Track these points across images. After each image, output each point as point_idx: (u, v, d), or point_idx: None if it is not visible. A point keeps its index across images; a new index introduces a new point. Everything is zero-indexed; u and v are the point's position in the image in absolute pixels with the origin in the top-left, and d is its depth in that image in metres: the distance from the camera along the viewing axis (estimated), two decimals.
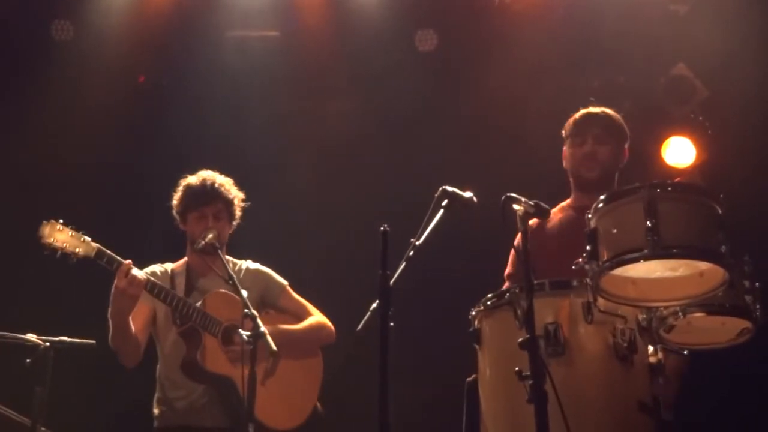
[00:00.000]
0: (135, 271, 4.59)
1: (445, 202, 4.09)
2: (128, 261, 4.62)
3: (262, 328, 4.29)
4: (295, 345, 4.92)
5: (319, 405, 4.97)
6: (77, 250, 4.59)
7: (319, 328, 5.08)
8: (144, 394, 5.07)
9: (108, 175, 7.24)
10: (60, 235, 4.58)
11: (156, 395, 4.92)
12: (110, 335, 4.71)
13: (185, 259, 5.08)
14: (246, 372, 4.16)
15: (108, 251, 4.64)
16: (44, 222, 4.60)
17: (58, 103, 7.14)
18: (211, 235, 4.77)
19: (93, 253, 4.62)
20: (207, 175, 5.04)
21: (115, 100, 7.22)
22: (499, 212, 3.72)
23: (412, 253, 3.91)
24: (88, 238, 4.62)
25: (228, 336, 4.74)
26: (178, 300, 4.73)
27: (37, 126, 7.10)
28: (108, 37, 7.23)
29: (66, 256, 4.60)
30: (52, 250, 4.59)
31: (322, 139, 7.23)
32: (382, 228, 3.69)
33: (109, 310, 4.62)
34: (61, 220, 4.60)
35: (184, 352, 4.76)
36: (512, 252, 4.68)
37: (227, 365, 4.69)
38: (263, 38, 7.43)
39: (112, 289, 4.59)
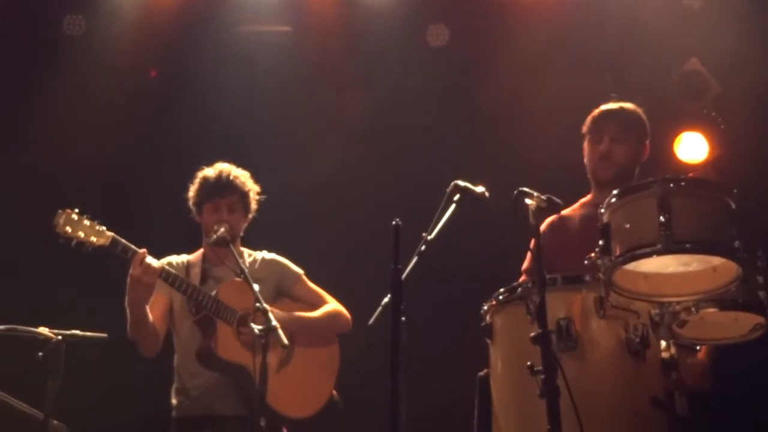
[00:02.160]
0: (150, 260, 4.60)
1: (457, 197, 4.09)
2: (143, 249, 4.64)
3: (274, 322, 4.30)
4: (310, 332, 4.93)
5: (335, 394, 4.97)
6: (92, 239, 4.62)
7: (335, 315, 5.09)
8: (157, 386, 5.09)
9: (120, 170, 7.25)
10: (75, 225, 4.61)
11: (174, 385, 4.94)
12: (128, 325, 4.73)
13: (201, 250, 5.10)
14: (258, 362, 4.17)
15: (123, 240, 4.66)
16: (59, 211, 4.63)
17: (70, 98, 7.16)
18: (222, 229, 4.78)
19: (108, 242, 4.64)
20: (223, 167, 5.06)
21: (127, 95, 7.24)
22: (512, 207, 3.71)
23: (423, 247, 3.91)
24: (103, 228, 4.65)
25: (243, 323, 4.76)
26: (193, 288, 4.75)
27: (49, 120, 7.12)
28: (120, 32, 7.24)
29: (81, 245, 4.63)
30: (67, 239, 4.61)
31: (334, 134, 7.23)
32: (394, 222, 3.69)
33: (126, 299, 4.64)
34: (76, 210, 4.63)
35: (199, 341, 4.77)
36: (530, 246, 4.67)
37: (241, 353, 4.71)
38: (275, 33, 7.43)
39: (128, 278, 4.60)
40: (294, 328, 4.64)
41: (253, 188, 5.10)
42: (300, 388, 4.82)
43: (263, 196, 5.14)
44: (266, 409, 4.21)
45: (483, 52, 7.26)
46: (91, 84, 7.22)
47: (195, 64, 7.40)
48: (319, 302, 5.10)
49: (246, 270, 4.58)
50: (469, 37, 7.38)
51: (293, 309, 4.96)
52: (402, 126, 7.24)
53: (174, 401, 4.90)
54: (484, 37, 7.29)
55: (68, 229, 4.61)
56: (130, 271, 4.61)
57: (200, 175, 5.06)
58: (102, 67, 7.24)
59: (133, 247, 4.66)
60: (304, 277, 5.15)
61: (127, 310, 4.66)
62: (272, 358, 4.27)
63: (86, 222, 4.64)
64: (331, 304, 5.12)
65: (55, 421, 5.10)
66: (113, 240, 4.65)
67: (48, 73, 7.18)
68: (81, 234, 4.62)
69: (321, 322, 5.01)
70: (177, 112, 7.37)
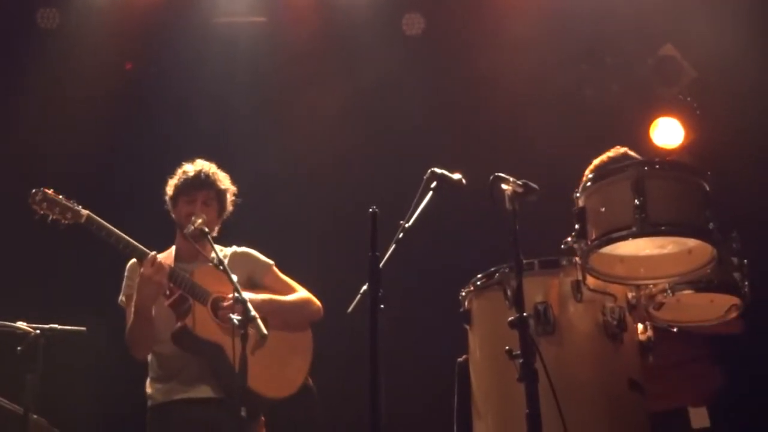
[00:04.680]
0: (158, 258, 4.70)
1: (434, 184, 4.09)
2: (153, 252, 4.70)
3: (253, 313, 4.30)
4: (281, 315, 4.96)
5: (309, 379, 4.99)
6: (68, 215, 4.73)
7: (306, 302, 5.13)
8: (135, 379, 5.07)
9: (94, 164, 7.21)
10: (51, 201, 4.78)
11: (149, 375, 4.94)
12: (129, 327, 4.75)
13: (173, 247, 5.10)
14: (236, 346, 4.18)
15: (98, 218, 4.74)
16: (34, 190, 4.77)
17: (44, 92, 7.12)
18: (200, 220, 4.78)
19: (83, 219, 4.73)
20: (204, 163, 5.09)
21: (101, 88, 7.19)
22: (488, 192, 3.72)
23: (401, 235, 3.92)
24: (78, 207, 4.76)
25: (216, 306, 4.78)
26: (174, 272, 4.78)
27: (22, 114, 7.07)
28: (94, 25, 7.20)
29: (57, 221, 4.73)
30: (43, 215, 4.73)
31: (311, 123, 7.22)
32: (371, 210, 3.69)
33: (134, 300, 4.67)
34: (51, 189, 4.73)
35: (174, 323, 4.79)
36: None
37: (218, 333, 4.73)
38: (250, 24, 7.41)
39: (137, 279, 4.66)
40: (267, 310, 4.67)
41: (230, 188, 5.12)
42: (274, 368, 4.83)
43: (239, 199, 5.16)
44: (244, 399, 4.20)
45: (458, 40, 7.28)
46: (66, 77, 7.17)
47: (170, 56, 7.37)
48: (289, 292, 5.13)
49: (224, 261, 4.59)
50: (444, 25, 7.39)
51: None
52: (378, 114, 7.24)
53: (149, 390, 4.90)
54: (459, 25, 7.29)
55: (44, 205, 4.75)
56: (141, 270, 4.68)
57: (180, 169, 5.09)
58: (76, 60, 7.20)
59: (141, 247, 4.75)
60: (275, 268, 5.17)
61: (135, 311, 4.68)
62: (248, 340, 4.29)
63: (61, 199, 4.78)
64: (302, 292, 5.15)
65: (35, 416, 5.08)
66: (88, 217, 4.73)
67: (21, 67, 7.13)
68: (57, 209, 4.75)
69: (292, 306, 5.05)
70: (152, 105, 7.35)
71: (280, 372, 4.87)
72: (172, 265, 4.84)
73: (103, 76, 7.23)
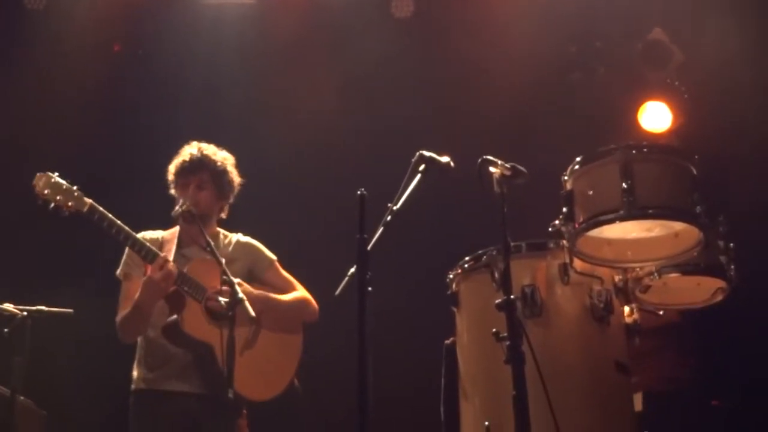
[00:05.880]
0: (171, 266, 4.60)
1: (422, 167, 4.09)
2: (164, 254, 4.63)
3: (240, 295, 4.28)
4: (277, 314, 4.91)
5: (296, 380, 4.97)
6: (70, 203, 4.55)
7: (303, 303, 5.07)
8: (123, 361, 5.07)
9: (83, 146, 7.18)
10: (54, 187, 4.52)
11: (137, 358, 4.92)
12: (124, 317, 4.69)
13: (177, 228, 5.07)
14: (225, 335, 4.16)
15: (100, 208, 4.61)
16: (39, 174, 4.55)
17: (31, 73, 7.07)
18: (187, 203, 4.75)
19: (85, 208, 4.58)
20: (200, 145, 5.01)
21: (90, 70, 7.16)
22: (476, 175, 3.72)
23: (389, 217, 3.91)
24: (81, 193, 4.59)
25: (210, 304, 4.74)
26: (179, 274, 4.72)
27: (10, 96, 7.03)
28: (82, 6, 7.16)
29: (58, 208, 4.56)
30: (45, 201, 4.55)
31: (299, 106, 7.21)
32: (359, 192, 3.69)
33: (137, 299, 4.61)
34: (56, 173, 4.57)
35: (166, 316, 4.76)
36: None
37: (207, 331, 4.68)
38: (239, 5, 7.38)
39: (144, 279, 4.60)
40: (261, 306, 4.61)
41: (230, 170, 5.05)
42: (261, 371, 4.80)
43: (243, 181, 5.09)
44: (232, 385, 4.20)
45: (447, 22, 7.26)
46: (53, 59, 7.13)
47: (158, 38, 7.33)
48: (289, 290, 5.08)
49: (212, 244, 4.56)
50: (433, 8, 7.37)
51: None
52: (367, 96, 7.22)
53: (135, 374, 4.88)
54: (448, 8, 7.28)
55: (47, 191, 4.53)
56: (149, 273, 4.60)
57: (180, 152, 5.03)
58: (64, 41, 7.15)
59: (109, 216, 4.59)
60: (277, 264, 5.13)
61: (136, 308, 4.63)
62: (237, 339, 4.25)
63: (65, 186, 4.56)
64: (300, 292, 5.11)
65: (22, 398, 5.07)
66: (91, 207, 4.59)
67: (8, 49, 7.08)
68: (59, 198, 4.52)
69: (289, 306, 5.00)
70: (140, 87, 7.32)
71: (266, 374, 4.83)
72: (173, 253, 4.77)
73: (91, 57, 7.19)
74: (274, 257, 5.10)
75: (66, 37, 7.17)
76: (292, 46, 7.32)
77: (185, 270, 4.73)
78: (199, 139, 5.13)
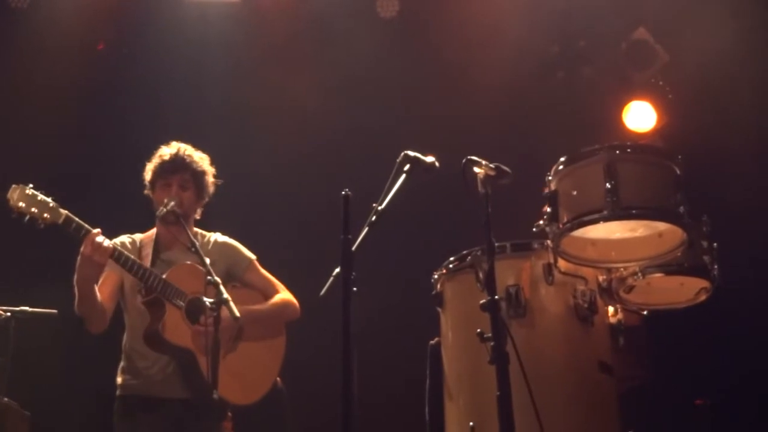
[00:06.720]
0: (101, 239, 4.54)
1: (407, 167, 4.08)
2: (97, 229, 4.58)
3: (225, 295, 4.28)
4: (259, 324, 4.91)
5: (279, 380, 4.96)
6: (45, 215, 4.51)
7: (284, 305, 5.06)
8: (107, 363, 5.05)
9: (67, 145, 7.15)
10: (29, 200, 4.49)
11: (121, 364, 4.89)
12: (75, 302, 4.66)
13: (155, 230, 5.04)
14: (208, 341, 4.15)
15: (76, 219, 4.58)
16: (14, 186, 4.52)
17: (15, 72, 7.05)
18: (172, 203, 4.73)
19: (61, 220, 4.55)
20: (179, 146, 4.99)
21: (73, 69, 7.13)
22: (461, 175, 3.72)
23: (374, 218, 3.91)
24: (56, 205, 4.56)
25: (192, 307, 4.71)
26: (144, 270, 4.69)
27: None
28: (66, 5, 7.12)
29: (34, 221, 4.53)
30: (20, 214, 4.51)
31: (283, 105, 7.19)
32: (343, 192, 3.68)
33: (75, 277, 4.58)
34: (30, 185, 4.53)
35: (147, 322, 4.74)
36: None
37: (188, 337, 4.67)
38: (224, 4, 7.36)
39: (78, 257, 4.54)
40: (244, 320, 4.60)
41: (208, 170, 5.03)
42: (243, 376, 4.79)
43: (220, 180, 5.08)
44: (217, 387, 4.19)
45: (432, 22, 7.26)
46: (37, 58, 7.10)
47: (142, 37, 7.31)
48: (268, 289, 5.07)
49: (197, 244, 4.55)
50: (418, 8, 7.37)
51: (243, 294, 4.90)
52: (352, 96, 7.22)
53: (119, 380, 4.86)
54: (433, 8, 7.28)
55: (21, 204, 4.49)
56: (81, 249, 4.51)
57: (157, 153, 5.01)
58: (48, 40, 7.12)
59: (86, 226, 4.56)
60: (256, 263, 5.11)
61: (75, 288, 4.60)
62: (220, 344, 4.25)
63: (40, 198, 4.52)
64: (281, 294, 5.09)
65: (6, 399, 5.06)
66: (66, 218, 4.55)
67: None
68: (34, 210, 4.49)
69: (270, 313, 4.99)
70: (124, 86, 7.29)
71: (248, 379, 4.83)
72: (150, 258, 4.76)
73: (74, 56, 7.17)
74: (253, 257, 5.08)
75: (50, 36, 7.14)
76: (277, 45, 7.31)
77: (165, 276, 4.71)
78: (184, 139, 5.11)
